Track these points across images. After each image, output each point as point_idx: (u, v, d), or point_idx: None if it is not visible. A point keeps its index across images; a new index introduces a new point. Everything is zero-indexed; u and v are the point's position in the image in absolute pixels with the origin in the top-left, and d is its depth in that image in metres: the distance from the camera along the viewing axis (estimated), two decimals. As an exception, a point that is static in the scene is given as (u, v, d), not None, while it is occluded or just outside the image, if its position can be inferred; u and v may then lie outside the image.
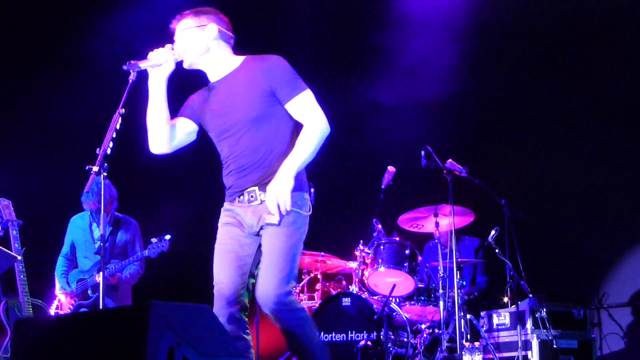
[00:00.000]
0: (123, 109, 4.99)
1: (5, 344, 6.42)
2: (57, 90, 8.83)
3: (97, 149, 4.97)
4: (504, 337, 7.46)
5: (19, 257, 6.42)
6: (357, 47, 9.17)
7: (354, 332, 7.15)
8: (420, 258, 7.60)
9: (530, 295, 7.39)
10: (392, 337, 7.06)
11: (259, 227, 4.38)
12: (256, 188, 4.37)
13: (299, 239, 4.37)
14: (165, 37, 4.58)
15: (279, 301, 4.22)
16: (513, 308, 7.38)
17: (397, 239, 7.54)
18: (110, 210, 7.09)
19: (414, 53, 8.82)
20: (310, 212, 4.43)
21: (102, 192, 5.06)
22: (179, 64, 4.49)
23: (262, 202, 4.35)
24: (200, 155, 9.56)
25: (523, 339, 7.20)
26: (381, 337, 6.99)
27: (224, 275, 4.39)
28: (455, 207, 7.10)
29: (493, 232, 7.37)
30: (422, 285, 7.55)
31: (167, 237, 6.80)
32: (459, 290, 7.08)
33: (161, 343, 3.49)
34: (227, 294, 4.34)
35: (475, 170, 7.28)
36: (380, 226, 7.61)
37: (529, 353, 7.20)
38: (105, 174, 4.97)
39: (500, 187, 7.69)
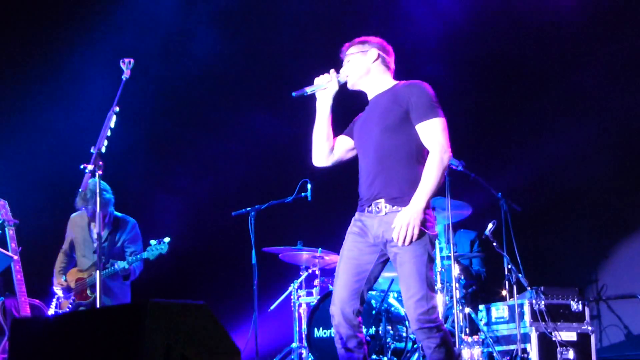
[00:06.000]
0: (117, 107, 5.01)
1: (2, 344, 6.40)
2: (52, 90, 8.82)
3: (92, 147, 4.98)
4: (503, 330, 7.48)
5: (16, 257, 6.42)
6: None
7: (352, 327, 7.13)
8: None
9: (529, 288, 7.40)
10: (391, 331, 7.07)
11: (385, 239, 4.59)
12: (382, 200, 4.60)
13: (428, 258, 4.55)
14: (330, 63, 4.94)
15: (419, 321, 4.52)
16: (511, 301, 7.39)
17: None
18: (108, 212, 7.02)
19: (408, 44, 8.81)
20: (436, 233, 4.63)
21: (98, 191, 5.06)
22: (342, 86, 4.83)
23: (387, 213, 4.58)
24: (202, 156, 9.60)
25: (522, 332, 7.21)
26: (380, 331, 7.00)
27: (341, 280, 4.72)
28: (452, 200, 7.09)
29: (490, 225, 7.38)
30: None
31: (167, 239, 6.77)
32: (456, 284, 7.09)
33: (158, 340, 3.49)
34: (341, 297, 4.67)
35: (472, 164, 7.28)
36: (377, 221, 7.60)
37: (528, 346, 7.21)
38: (100, 172, 4.98)
39: (496, 181, 7.69)
